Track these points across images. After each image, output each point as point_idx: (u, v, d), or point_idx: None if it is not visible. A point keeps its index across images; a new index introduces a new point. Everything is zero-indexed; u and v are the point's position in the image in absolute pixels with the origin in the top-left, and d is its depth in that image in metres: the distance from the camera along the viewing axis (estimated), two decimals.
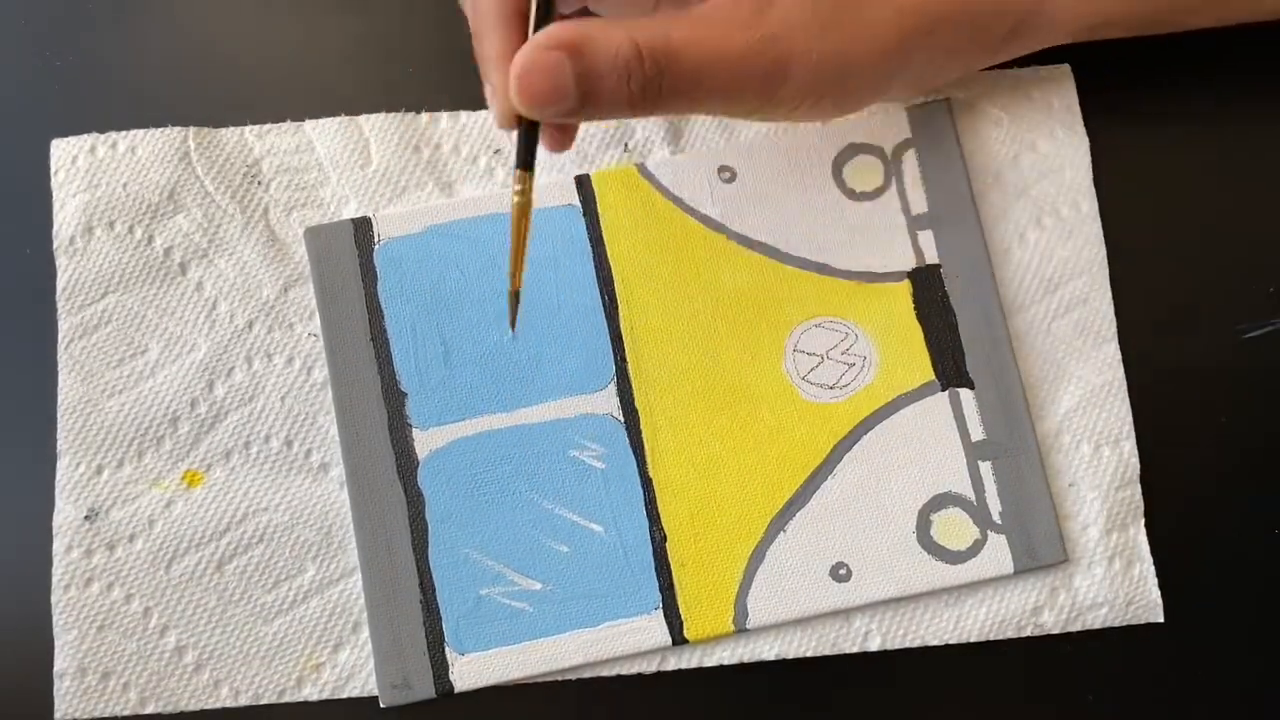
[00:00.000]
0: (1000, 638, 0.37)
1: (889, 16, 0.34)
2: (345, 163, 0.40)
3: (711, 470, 0.38)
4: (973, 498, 0.38)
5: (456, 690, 0.37)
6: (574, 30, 0.30)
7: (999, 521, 0.37)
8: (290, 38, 0.42)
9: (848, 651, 0.37)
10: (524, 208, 0.32)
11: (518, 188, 0.32)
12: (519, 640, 0.37)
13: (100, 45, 0.42)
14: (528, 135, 0.32)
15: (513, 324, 0.34)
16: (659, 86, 0.31)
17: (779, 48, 0.32)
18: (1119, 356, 0.39)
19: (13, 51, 0.42)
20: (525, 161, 0.32)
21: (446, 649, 0.37)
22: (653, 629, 0.37)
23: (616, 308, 0.39)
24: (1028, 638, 0.37)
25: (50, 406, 0.39)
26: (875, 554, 0.37)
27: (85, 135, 0.40)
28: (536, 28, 0.32)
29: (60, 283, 0.39)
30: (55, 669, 0.37)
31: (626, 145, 0.41)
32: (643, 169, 0.40)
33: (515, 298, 0.33)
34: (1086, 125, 0.40)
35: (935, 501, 0.38)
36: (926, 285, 0.39)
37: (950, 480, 0.38)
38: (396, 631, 0.37)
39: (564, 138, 0.35)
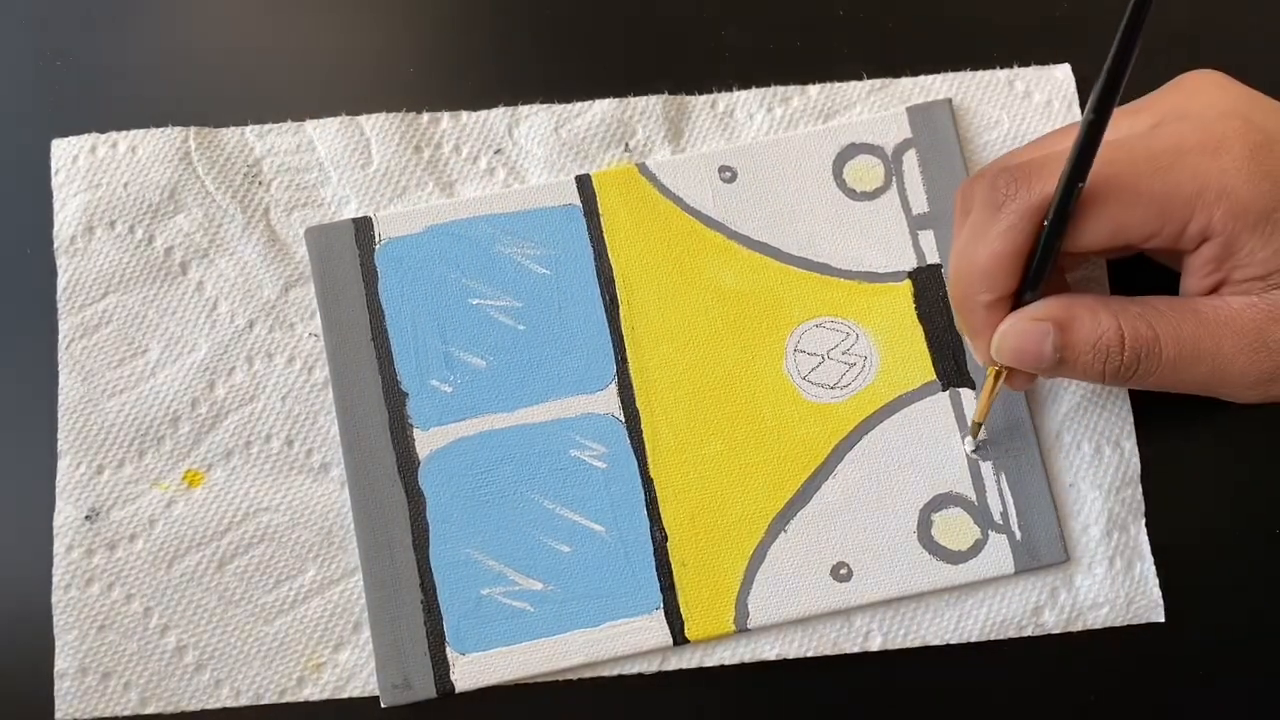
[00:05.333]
0: (1001, 637, 0.37)
1: None
2: (346, 162, 0.40)
3: (712, 470, 0.38)
4: (974, 497, 0.38)
5: (457, 690, 0.37)
6: (1065, 306, 0.33)
7: (1000, 521, 0.37)
8: (291, 38, 0.42)
9: (848, 651, 0.37)
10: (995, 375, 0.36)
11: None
12: (520, 640, 0.37)
13: (100, 45, 0.42)
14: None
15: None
16: (1132, 372, 0.33)
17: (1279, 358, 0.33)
18: None
19: (13, 51, 0.42)
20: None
21: (447, 649, 0.37)
22: (654, 629, 0.37)
23: (617, 307, 0.39)
24: (1028, 637, 0.37)
25: (50, 406, 0.39)
26: (876, 554, 0.37)
27: (86, 135, 0.40)
28: (1033, 283, 0.33)
29: (61, 283, 0.39)
30: (56, 669, 0.37)
31: (627, 145, 0.41)
32: (643, 169, 0.40)
33: (977, 425, 0.38)
34: None
35: (936, 501, 0.38)
36: (927, 285, 0.39)
37: (951, 480, 0.38)
38: (397, 631, 0.37)
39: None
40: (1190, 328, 0.33)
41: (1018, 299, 0.34)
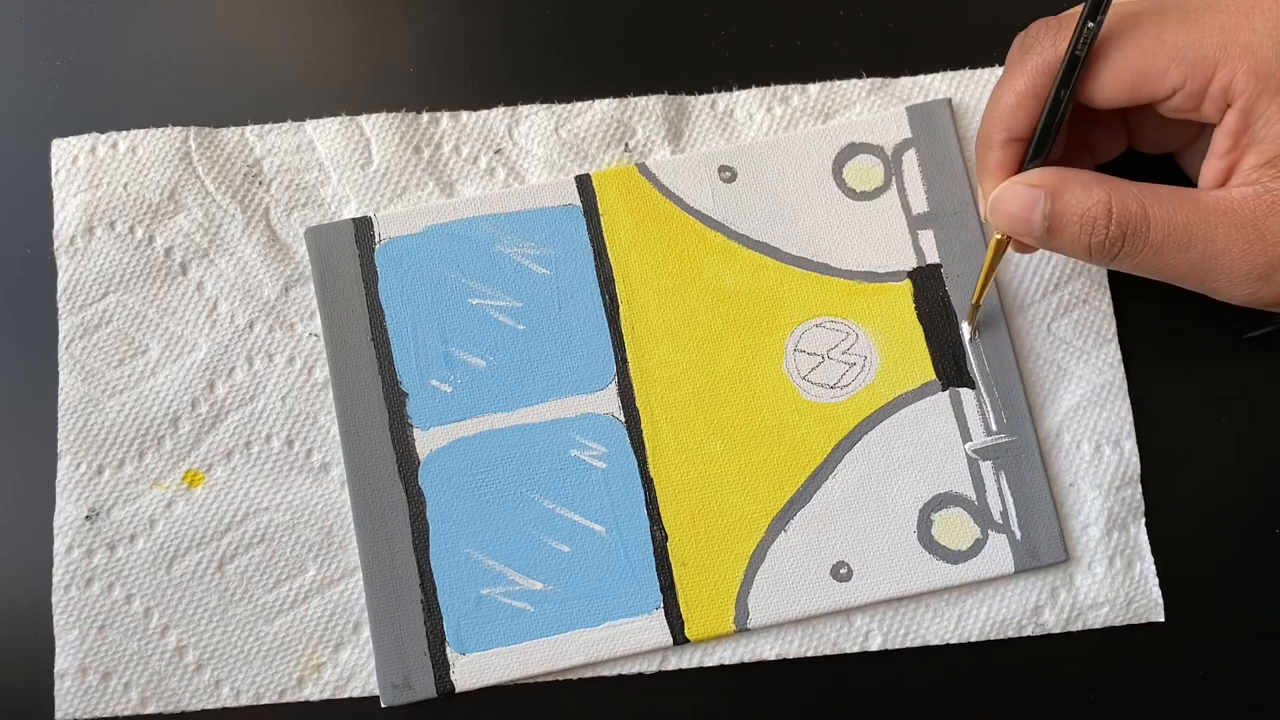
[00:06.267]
0: (1001, 637, 0.37)
1: None
2: (346, 162, 0.40)
3: (712, 470, 0.38)
4: (973, 497, 0.38)
5: (457, 690, 0.37)
6: (1058, 176, 0.33)
7: (1000, 521, 0.38)
8: (291, 38, 0.42)
9: (848, 651, 0.37)
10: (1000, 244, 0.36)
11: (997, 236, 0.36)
12: (520, 640, 0.37)
13: (100, 45, 0.42)
14: None
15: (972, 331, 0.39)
16: (1118, 248, 0.33)
17: (1274, 253, 0.32)
18: (1119, 356, 0.39)
19: (13, 51, 0.42)
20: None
21: (447, 649, 0.37)
22: (654, 628, 0.37)
23: (617, 307, 0.39)
24: (1028, 637, 0.37)
25: (50, 406, 0.39)
26: (876, 553, 0.37)
27: (86, 135, 0.40)
28: (1032, 158, 0.34)
29: (61, 283, 0.39)
30: (56, 669, 0.37)
31: (627, 145, 0.41)
32: (643, 169, 0.40)
33: (975, 308, 0.38)
34: None
35: (936, 501, 0.38)
36: (927, 285, 0.39)
37: (951, 480, 0.38)
38: (397, 631, 0.37)
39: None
40: (1185, 213, 0.32)
41: (1027, 161, 0.34)
